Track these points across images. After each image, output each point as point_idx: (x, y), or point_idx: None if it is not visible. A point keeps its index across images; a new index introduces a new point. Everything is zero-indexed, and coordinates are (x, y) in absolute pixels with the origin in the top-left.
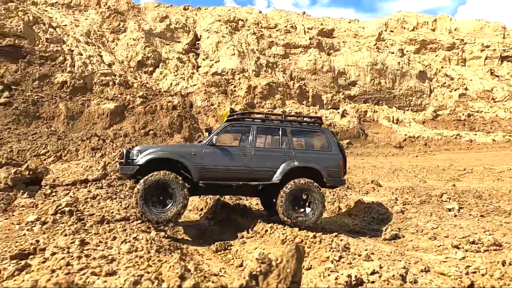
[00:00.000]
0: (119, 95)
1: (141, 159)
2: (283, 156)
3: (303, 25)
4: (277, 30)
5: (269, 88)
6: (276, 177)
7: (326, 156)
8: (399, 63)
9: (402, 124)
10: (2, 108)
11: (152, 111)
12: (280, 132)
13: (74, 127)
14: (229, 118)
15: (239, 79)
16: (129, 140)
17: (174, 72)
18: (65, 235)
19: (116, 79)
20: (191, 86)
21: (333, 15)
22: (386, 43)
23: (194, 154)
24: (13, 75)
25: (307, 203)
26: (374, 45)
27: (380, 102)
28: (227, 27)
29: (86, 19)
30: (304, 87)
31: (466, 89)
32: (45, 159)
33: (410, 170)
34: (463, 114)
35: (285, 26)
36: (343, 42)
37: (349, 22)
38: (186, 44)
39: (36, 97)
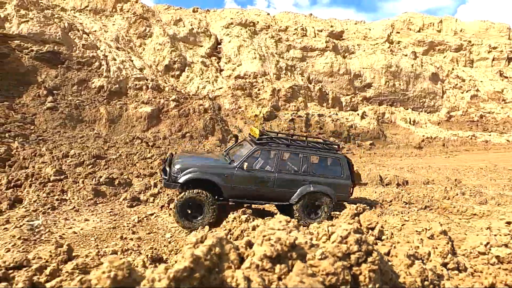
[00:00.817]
0: (153, 99)
1: (181, 179)
2: (302, 181)
3: (313, 27)
4: (293, 34)
5: (292, 91)
6: (293, 199)
7: (338, 182)
8: (412, 65)
9: (418, 125)
10: (49, 112)
11: (186, 114)
12: (301, 159)
13: (115, 130)
14: (258, 141)
15: (262, 82)
16: (169, 142)
17: (199, 76)
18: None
19: (148, 83)
20: (217, 89)
21: (334, 15)
22: (399, 45)
23: (226, 176)
24: (53, 80)
25: (319, 208)
26: (388, 47)
27: (395, 103)
28: (246, 31)
29: (113, 24)
30: (324, 90)
31: (477, 90)
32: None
33: (467, 170)
34: (475, 115)
35: (295, 29)
36: (357, 45)
37: (355, 24)
38: (208, 48)
39: (77, 101)
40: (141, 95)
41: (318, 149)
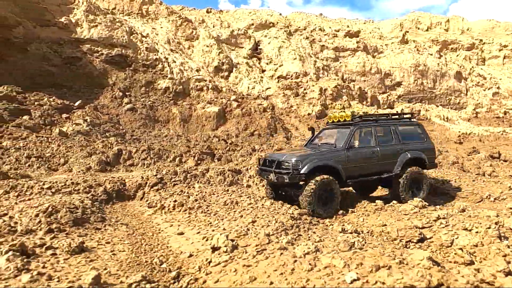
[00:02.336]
0: (215, 99)
1: (303, 169)
2: (398, 150)
3: (330, 27)
4: (325, 35)
5: (337, 90)
6: (397, 168)
7: (425, 146)
8: (438, 64)
9: (451, 122)
10: (130, 113)
11: (248, 113)
12: (391, 130)
13: (188, 129)
14: (352, 122)
15: (307, 82)
16: (241, 140)
17: (247, 76)
18: None
19: (208, 84)
20: (266, 89)
21: (329, 13)
22: (424, 45)
23: (340, 158)
24: (123, 82)
25: (419, 185)
26: (414, 47)
27: (423, 101)
28: (283, 32)
29: (161, 27)
30: (363, 89)
31: (498, 88)
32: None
33: None
34: (500, 112)
35: (314, 29)
36: (385, 45)
37: (364, 23)
38: (249, 49)
39: (149, 102)
40: (203, 95)
41: (400, 120)
